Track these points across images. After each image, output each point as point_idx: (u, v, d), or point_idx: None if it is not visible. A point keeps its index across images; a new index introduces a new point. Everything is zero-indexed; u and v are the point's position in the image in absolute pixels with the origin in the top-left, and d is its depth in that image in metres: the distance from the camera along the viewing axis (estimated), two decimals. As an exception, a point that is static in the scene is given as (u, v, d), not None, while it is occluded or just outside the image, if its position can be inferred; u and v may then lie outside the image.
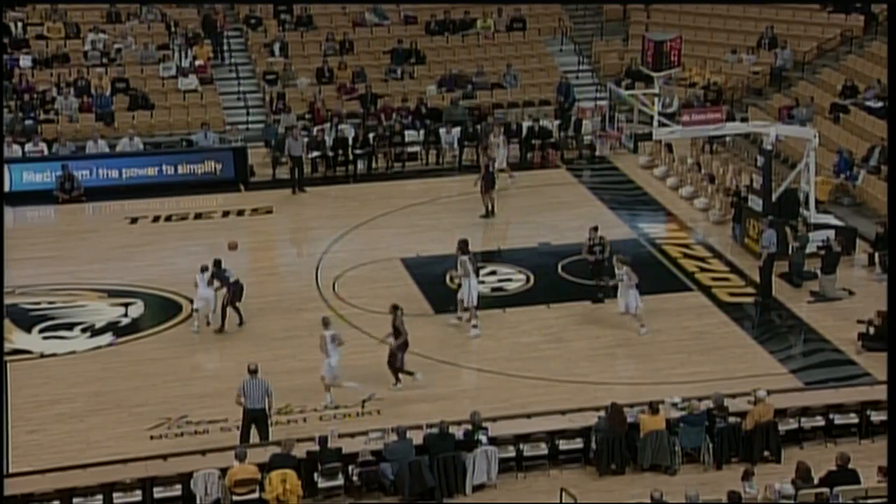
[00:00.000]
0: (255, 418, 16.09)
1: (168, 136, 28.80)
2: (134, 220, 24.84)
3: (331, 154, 27.78)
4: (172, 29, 32.01)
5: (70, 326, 19.95)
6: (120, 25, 32.07)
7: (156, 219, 25.03)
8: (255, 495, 14.86)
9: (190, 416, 17.03)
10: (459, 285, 19.80)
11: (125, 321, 20.20)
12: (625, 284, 19.39)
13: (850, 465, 14.69)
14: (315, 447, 15.42)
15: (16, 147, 26.77)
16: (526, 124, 28.94)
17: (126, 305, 20.62)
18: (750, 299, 21.10)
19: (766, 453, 16.18)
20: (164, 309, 20.56)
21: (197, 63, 30.87)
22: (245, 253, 24.09)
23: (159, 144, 28.37)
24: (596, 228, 21.05)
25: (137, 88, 29.88)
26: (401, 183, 27.40)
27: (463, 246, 19.61)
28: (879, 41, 30.34)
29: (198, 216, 25.30)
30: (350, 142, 27.91)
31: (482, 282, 21.12)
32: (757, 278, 21.59)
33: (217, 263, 19.62)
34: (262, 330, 19.83)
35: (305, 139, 27.40)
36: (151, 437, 16.59)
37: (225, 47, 31.83)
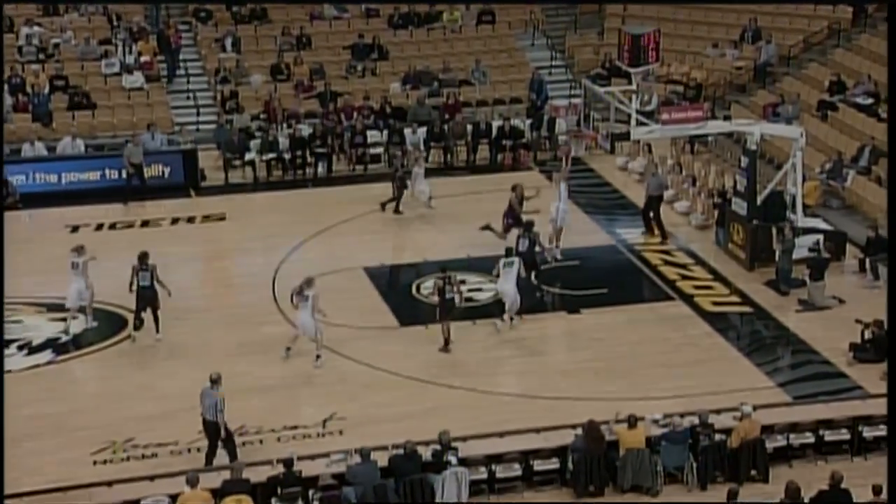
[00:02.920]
0: (208, 429, 16.21)
1: (112, 138, 28.66)
2: (75, 229, 24.66)
3: (287, 156, 27.75)
4: (115, 23, 31.84)
5: (5, 344, 19.76)
6: (58, 18, 31.88)
7: (99, 227, 24.87)
8: (208, 524, 14.78)
9: (137, 439, 16.90)
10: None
11: (66, 338, 20.05)
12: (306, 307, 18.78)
13: (842, 485, 14.82)
14: (274, 471, 15.37)
15: (-54, 150, 26.56)
16: (496, 123, 29.05)
17: (66, 320, 20.45)
18: (736, 308, 21.26)
19: (752, 472, 16.29)
20: (108, 324, 20.41)
21: (142, 59, 30.73)
22: (196, 263, 23.99)
23: (102, 147, 28.22)
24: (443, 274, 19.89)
25: (78, 86, 29.71)
26: (363, 187, 27.38)
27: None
28: (868, 34, 30.72)
29: (145, 224, 25.18)
30: (306, 141, 27.88)
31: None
32: (742, 285, 21.93)
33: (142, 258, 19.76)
34: (215, 345, 19.74)
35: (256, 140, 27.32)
36: (95, 463, 16.46)
37: (177, 53, 31.56)
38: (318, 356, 19.04)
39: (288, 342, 19.23)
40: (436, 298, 19.80)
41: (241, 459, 15.70)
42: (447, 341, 19.56)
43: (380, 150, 28.55)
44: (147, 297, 19.69)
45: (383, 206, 25.43)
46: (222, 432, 16.17)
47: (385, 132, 28.82)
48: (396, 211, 25.33)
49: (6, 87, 28.96)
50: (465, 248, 23.57)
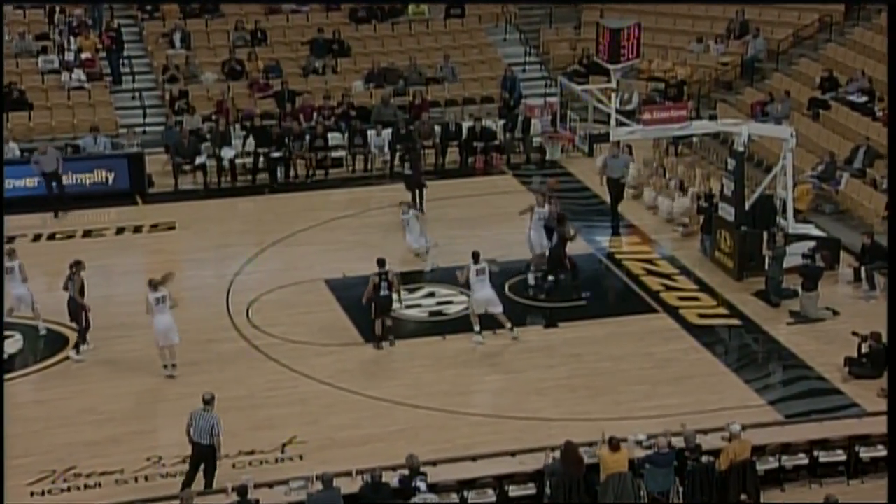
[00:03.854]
0: (200, 454, 16.11)
1: (50, 141, 28.46)
2: (10, 240, 24.44)
3: (240, 161, 27.67)
4: (55, 16, 31.66)
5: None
6: (-9, 12, 31.68)
7: (36, 238, 24.74)
8: (157, 558, 14.71)
9: (79, 468, 16.79)
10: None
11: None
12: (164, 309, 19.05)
13: (837, 509, 14.91)
14: (228, 500, 15.28)
15: None
16: (466, 124, 29.11)
17: (1, 339, 20.29)
18: (723, 321, 21.36)
19: (742, 496, 16.35)
20: (46, 343, 20.29)
21: (83, 56, 30.58)
22: (143, 275, 23.83)
23: (40, 150, 28.04)
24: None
25: (13, 85, 29.50)
26: (324, 193, 27.39)
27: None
28: (862, 28, 31.01)
29: (87, 234, 25.07)
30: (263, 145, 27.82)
31: (418, 305, 21.18)
32: (729, 296, 22.04)
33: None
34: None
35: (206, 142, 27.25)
36: (33, 494, 16.31)
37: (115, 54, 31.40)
38: (173, 365, 19.11)
39: (164, 360, 19.21)
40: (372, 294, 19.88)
41: (191, 489, 15.60)
42: (380, 339, 19.87)
43: (342, 153, 28.53)
44: (69, 308, 19.67)
45: (421, 208, 24.79)
46: (219, 455, 16.09)
47: (347, 134, 28.80)
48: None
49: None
50: (433, 259, 23.57)
